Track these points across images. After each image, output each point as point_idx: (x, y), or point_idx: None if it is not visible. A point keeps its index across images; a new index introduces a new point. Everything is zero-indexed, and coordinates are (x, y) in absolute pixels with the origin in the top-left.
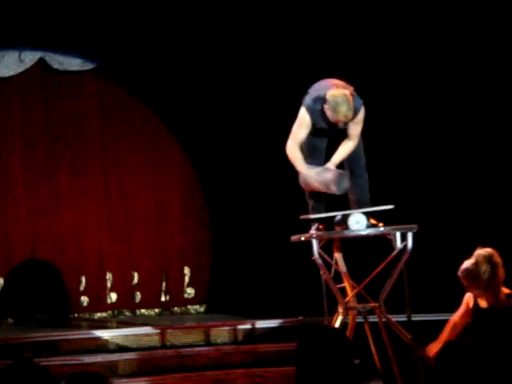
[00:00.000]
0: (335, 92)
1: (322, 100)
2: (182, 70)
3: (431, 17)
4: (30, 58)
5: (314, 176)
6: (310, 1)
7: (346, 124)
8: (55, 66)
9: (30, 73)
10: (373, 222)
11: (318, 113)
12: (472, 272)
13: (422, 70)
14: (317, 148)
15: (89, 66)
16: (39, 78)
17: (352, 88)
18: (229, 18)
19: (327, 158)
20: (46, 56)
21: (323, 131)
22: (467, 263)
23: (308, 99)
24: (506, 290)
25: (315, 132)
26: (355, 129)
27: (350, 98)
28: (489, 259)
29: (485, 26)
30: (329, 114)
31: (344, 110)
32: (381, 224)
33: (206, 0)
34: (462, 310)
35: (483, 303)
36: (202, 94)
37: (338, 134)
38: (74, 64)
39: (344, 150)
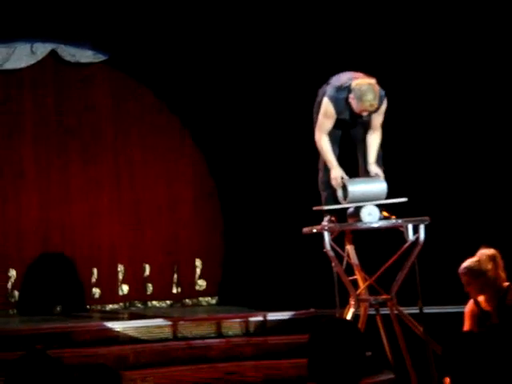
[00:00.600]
0: (360, 81)
1: (346, 90)
2: (193, 61)
3: (442, 14)
4: (42, 49)
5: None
6: None
7: (369, 114)
8: (67, 57)
9: (42, 65)
10: (385, 214)
11: (341, 102)
12: (474, 268)
13: (433, 64)
14: (333, 141)
15: (100, 57)
16: (51, 69)
17: (375, 78)
18: (243, 9)
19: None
20: (58, 48)
21: (342, 123)
22: (469, 260)
23: (330, 89)
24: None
25: (335, 123)
26: (379, 119)
27: (376, 86)
28: (493, 258)
29: (493, 24)
30: (354, 103)
31: (370, 99)
32: (393, 217)
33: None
34: (467, 325)
35: (485, 304)
36: (213, 86)
37: (357, 126)
38: (85, 56)
39: (375, 143)
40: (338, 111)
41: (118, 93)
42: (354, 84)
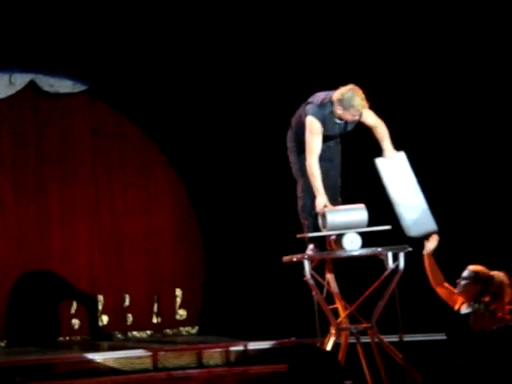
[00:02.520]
0: (341, 91)
1: (328, 105)
2: (172, 90)
3: (432, 20)
4: (21, 80)
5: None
6: (296, 14)
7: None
8: (46, 88)
9: (21, 95)
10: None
11: (327, 118)
12: (485, 275)
13: (418, 90)
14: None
15: (79, 87)
16: (30, 100)
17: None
18: (216, 42)
19: None
20: (37, 78)
21: (327, 139)
22: (481, 268)
23: (312, 107)
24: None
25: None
26: (371, 117)
27: (357, 88)
28: (507, 278)
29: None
30: (343, 113)
31: (358, 101)
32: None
33: (193, 24)
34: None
35: (464, 308)
36: (193, 115)
37: (332, 157)
38: (64, 86)
39: (385, 133)
40: (325, 127)
41: (97, 122)
42: (335, 96)
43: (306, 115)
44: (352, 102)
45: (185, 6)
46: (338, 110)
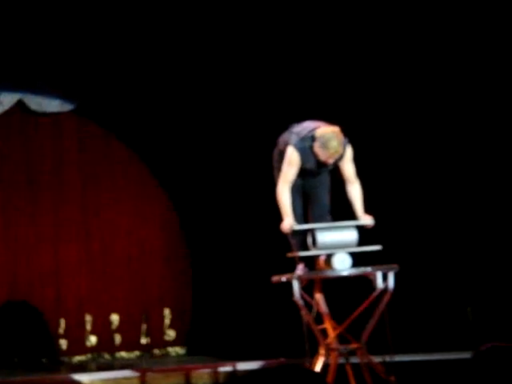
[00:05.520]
0: (324, 129)
1: (310, 138)
2: (160, 109)
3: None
4: (9, 99)
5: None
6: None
7: (335, 162)
8: (34, 107)
9: (9, 114)
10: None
11: (306, 151)
12: None
13: (395, 114)
14: (295, 191)
15: (67, 107)
16: (18, 119)
17: (338, 127)
18: (201, 65)
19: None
20: (25, 98)
21: (303, 172)
22: None
23: (295, 138)
24: None
25: (298, 173)
26: (350, 169)
27: (339, 134)
28: None
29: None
30: (319, 152)
31: (335, 145)
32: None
33: (177, 46)
34: None
35: None
36: (181, 134)
37: (314, 176)
38: (52, 105)
39: (358, 194)
40: (303, 160)
41: (85, 142)
42: (318, 133)
43: (287, 143)
44: (328, 144)
45: (168, 28)
46: (316, 147)
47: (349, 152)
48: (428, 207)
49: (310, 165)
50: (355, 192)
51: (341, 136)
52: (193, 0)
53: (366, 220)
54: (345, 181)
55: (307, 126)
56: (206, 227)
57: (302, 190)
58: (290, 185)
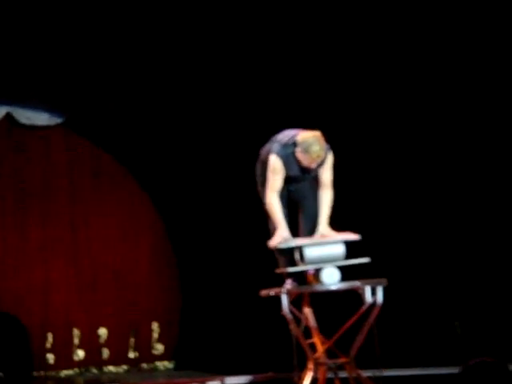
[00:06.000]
0: (306, 134)
1: (292, 145)
2: (148, 121)
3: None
4: None
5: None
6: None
7: (317, 168)
8: (23, 120)
9: None
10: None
11: (289, 158)
12: None
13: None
14: (280, 199)
15: (56, 120)
16: (7, 132)
17: (319, 131)
18: (191, 75)
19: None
20: (14, 111)
21: (288, 180)
22: None
23: (277, 146)
24: None
25: (284, 182)
26: (327, 175)
27: (321, 138)
28: None
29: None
30: (301, 157)
31: (316, 150)
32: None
33: (167, 57)
34: None
35: None
36: (170, 147)
37: (301, 183)
38: (41, 119)
39: (326, 203)
40: (287, 167)
41: (74, 155)
42: (300, 138)
43: (269, 152)
44: (310, 148)
45: (156, 43)
46: (298, 152)
47: (330, 158)
48: (416, 221)
49: (294, 172)
50: (326, 198)
51: (322, 141)
52: (181, 14)
53: (324, 230)
54: (319, 186)
55: (288, 133)
56: (195, 241)
57: (290, 200)
58: (278, 194)
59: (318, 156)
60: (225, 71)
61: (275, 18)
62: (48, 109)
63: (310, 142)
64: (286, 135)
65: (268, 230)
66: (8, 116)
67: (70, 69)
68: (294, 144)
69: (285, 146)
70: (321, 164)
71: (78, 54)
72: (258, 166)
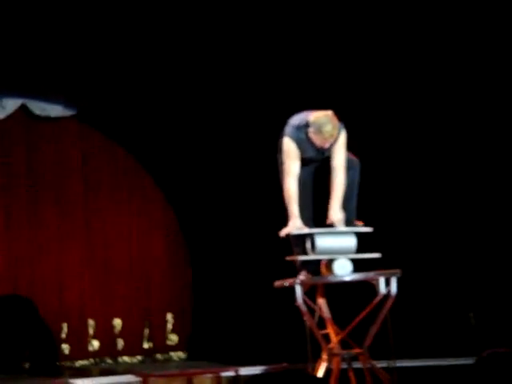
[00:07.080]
0: (318, 114)
1: (304, 127)
2: (162, 115)
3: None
4: (12, 104)
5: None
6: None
7: (331, 148)
8: (37, 112)
9: (12, 119)
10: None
11: (303, 140)
12: None
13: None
14: (305, 184)
15: (70, 112)
16: (21, 124)
17: (332, 111)
18: (202, 70)
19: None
20: (28, 102)
21: (309, 162)
22: None
23: (290, 128)
24: None
25: (302, 163)
26: (340, 157)
27: (334, 117)
28: None
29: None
30: (314, 137)
31: (329, 129)
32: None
33: (178, 52)
34: None
35: None
36: (183, 141)
37: (324, 162)
38: (55, 110)
39: (339, 185)
40: (301, 149)
41: (87, 147)
42: (311, 118)
43: (283, 136)
44: (322, 128)
45: (169, 34)
46: (311, 133)
47: (342, 136)
48: (430, 212)
49: (309, 153)
50: (338, 181)
51: (335, 120)
52: (186, 9)
53: (336, 216)
54: (332, 168)
55: (301, 115)
56: (208, 232)
57: (315, 189)
58: (296, 178)
59: (331, 135)
60: (241, 66)
61: (285, 5)
62: (62, 100)
63: (322, 121)
64: (298, 117)
65: (284, 217)
66: (23, 107)
67: (85, 61)
68: (307, 125)
69: (298, 127)
70: (334, 143)
71: (94, 46)
72: (278, 156)
